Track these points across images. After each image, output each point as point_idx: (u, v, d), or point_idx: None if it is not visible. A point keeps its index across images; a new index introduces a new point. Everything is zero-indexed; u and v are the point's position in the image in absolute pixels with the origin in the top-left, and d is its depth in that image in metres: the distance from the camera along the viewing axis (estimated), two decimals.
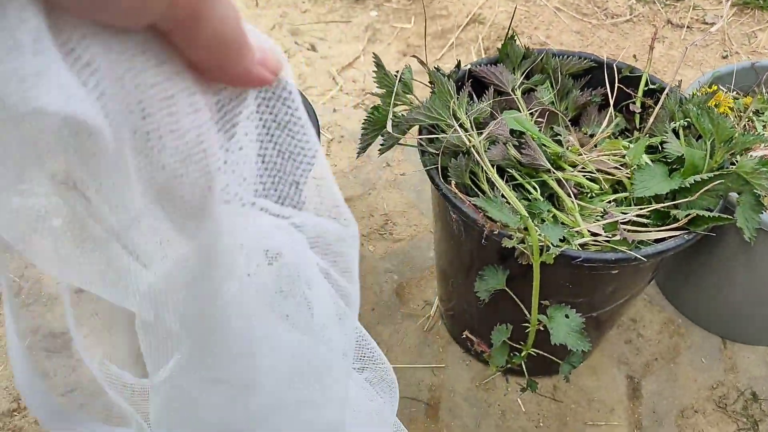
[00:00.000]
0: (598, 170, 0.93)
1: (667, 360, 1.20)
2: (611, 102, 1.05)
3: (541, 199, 0.89)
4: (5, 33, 0.22)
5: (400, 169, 1.53)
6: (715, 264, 1.12)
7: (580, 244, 0.83)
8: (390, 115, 0.92)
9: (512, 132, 0.91)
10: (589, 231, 0.85)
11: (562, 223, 0.86)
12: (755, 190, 0.87)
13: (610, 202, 0.91)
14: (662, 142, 0.93)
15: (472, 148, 0.87)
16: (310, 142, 0.33)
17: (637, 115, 1.04)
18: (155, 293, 0.33)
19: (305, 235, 0.35)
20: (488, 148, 0.88)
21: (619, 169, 0.93)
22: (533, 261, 0.79)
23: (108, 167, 0.27)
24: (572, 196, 0.89)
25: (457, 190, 0.85)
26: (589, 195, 0.91)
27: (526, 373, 0.93)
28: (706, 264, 1.15)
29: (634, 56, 1.79)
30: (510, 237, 0.80)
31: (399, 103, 0.94)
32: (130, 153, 0.27)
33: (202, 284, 0.32)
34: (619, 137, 1.02)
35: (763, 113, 1.16)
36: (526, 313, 0.87)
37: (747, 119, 1.12)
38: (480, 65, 1.03)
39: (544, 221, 0.85)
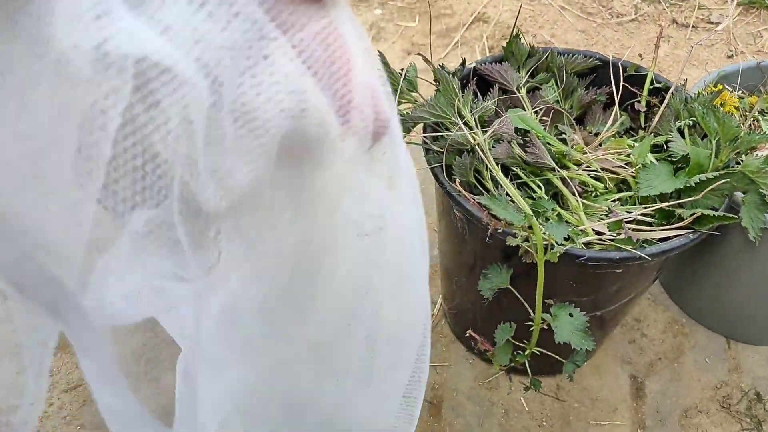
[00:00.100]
0: (603, 169, 0.93)
1: (670, 360, 1.20)
2: (616, 101, 1.04)
3: (546, 197, 0.89)
4: None
5: None
6: (720, 263, 1.12)
7: (584, 243, 0.83)
8: None
9: (517, 130, 0.91)
10: (593, 230, 0.85)
11: (567, 222, 0.86)
12: (760, 190, 0.86)
13: (614, 200, 0.90)
14: (667, 141, 0.93)
15: (476, 147, 0.87)
16: None
17: (642, 114, 1.03)
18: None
19: None
20: (493, 147, 0.88)
21: (624, 167, 0.92)
22: (537, 259, 0.79)
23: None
24: (577, 194, 0.89)
25: (461, 188, 0.85)
26: (593, 194, 0.91)
27: (529, 372, 0.93)
28: (710, 263, 1.14)
29: (640, 55, 1.79)
30: (514, 235, 0.79)
31: (403, 101, 0.94)
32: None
33: None
34: (624, 136, 1.02)
35: None
36: (530, 311, 0.86)
37: (752, 118, 1.12)
38: (485, 63, 1.03)
39: (549, 220, 0.85)
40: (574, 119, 1.02)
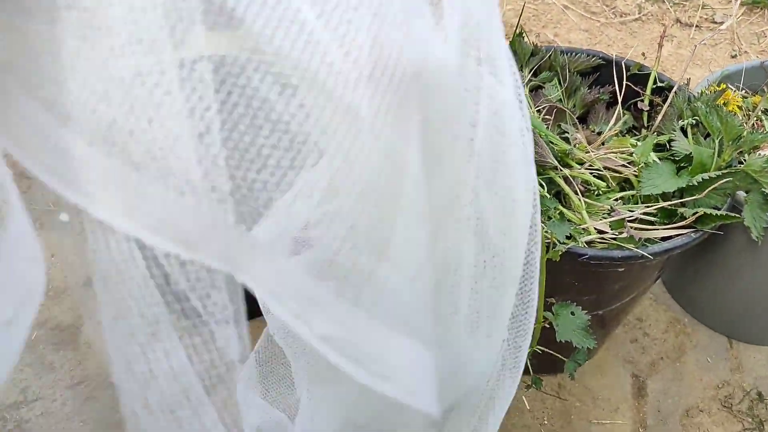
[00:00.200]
0: (606, 168, 0.93)
1: (672, 359, 1.20)
2: (619, 100, 1.04)
3: (548, 196, 0.89)
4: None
5: None
6: (722, 263, 1.12)
7: (586, 242, 0.83)
8: None
9: None
10: (595, 228, 0.85)
11: (569, 221, 0.86)
12: (763, 189, 0.86)
13: (617, 199, 0.90)
14: (670, 140, 0.93)
15: None
16: None
17: (645, 113, 1.03)
18: None
19: None
20: None
21: (627, 166, 0.92)
22: (539, 258, 0.79)
23: None
24: (579, 193, 0.89)
25: None
26: (596, 192, 0.91)
27: (531, 370, 0.93)
28: (712, 263, 1.14)
29: (643, 54, 1.78)
30: None
31: None
32: None
33: None
34: (626, 135, 1.02)
35: None
36: None
37: (755, 118, 1.12)
38: None
39: (551, 218, 0.85)
40: (577, 118, 1.02)
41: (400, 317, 0.34)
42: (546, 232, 0.79)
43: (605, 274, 0.88)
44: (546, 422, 1.11)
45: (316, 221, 0.32)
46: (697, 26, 1.94)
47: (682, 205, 0.86)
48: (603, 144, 0.98)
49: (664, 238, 0.84)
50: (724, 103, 1.09)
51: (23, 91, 0.29)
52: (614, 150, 0.95)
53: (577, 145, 0.95)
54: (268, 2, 0.27)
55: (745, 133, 0.87)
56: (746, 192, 0.88)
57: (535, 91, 1.03)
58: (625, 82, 1.05)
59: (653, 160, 0.91)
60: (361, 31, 0.28)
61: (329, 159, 0.30)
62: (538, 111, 0.98)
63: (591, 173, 0.92)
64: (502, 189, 0.41)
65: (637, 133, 1.04)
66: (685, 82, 1.02)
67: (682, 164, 0.90)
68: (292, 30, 0.27)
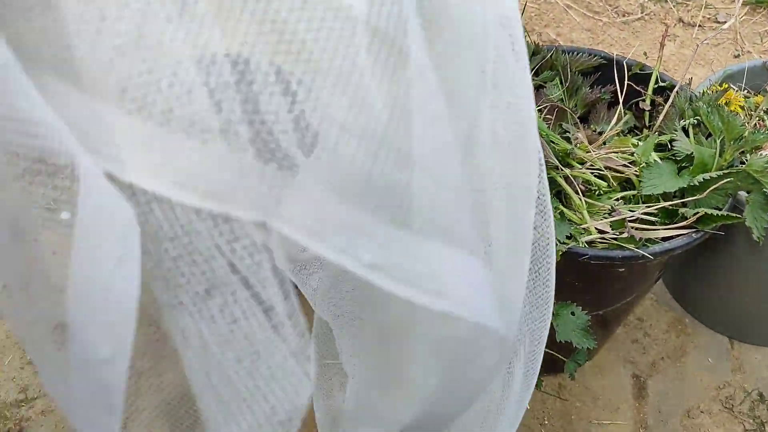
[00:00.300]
0: (607, 168, 0.92)
1: (673, 359, 1.20)
2: (621, 99, 1.04)
3: (549, 195, 0.89)
4: None
5: None
6: (723, 263, 1.12)
7: (587, 242, 0.83)
8: None
9: None
10: (596, 228, 0.85)
11: (570, 221, 0.86)
12: (765, 189, 0.86)
13: (618, 199, 0.90)
14: (671, 140, 0.93)
15: None
16: None
17: (647, 113, 1.03)
18: None
19: None
20: None
21: (628, 166, 0.92)
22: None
23: None
24: (580, 193, 0.89)
25: None
26: (597, 192, 0.91)
27: None
28: (714, 263, 1.14)
29: (645, 54, 1.78)
30: None
31: None
32: None
33: None
34: (628, 135, 1.02)
35: None
36: None
37: (758, 118, 1.12)
38: None
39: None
40: (578, 118, 1.02)
41: (445, 231, 0.33)
42: None
43: (606, 274, 0.87)
44: (546, 422, 1.11)
45: (343, 141, 0.31)
46: (699, 26, 1.93)
47: (683, 205, 0.85)
48: (604, 144, 0.98)
49: (664, 239, 0.84)
50: (726, 103, 1.09)
51: (41, 69, 0.29)
52: (615, 150, 0.95)
53: (578, 145, 0.95)
54: None
55: (746, 133, 0.86)
56: (748, 192, 0.88)
57: (536, 90, 1.03)
58: (626, 82, 1.05)
59: (654, 160, 0.91)
60: None
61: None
62: (540, 110, 0.98)
63: (592, 173, 0.92)
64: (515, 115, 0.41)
65: (638, 132, 1.04)
66: (687, 82, 1.02)
67: (683, 164, 0.90)
68: None
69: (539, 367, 0.58)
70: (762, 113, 1.14)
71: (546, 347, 0.89)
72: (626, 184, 0.93)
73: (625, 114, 1.04)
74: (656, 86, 1.04)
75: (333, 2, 0.29)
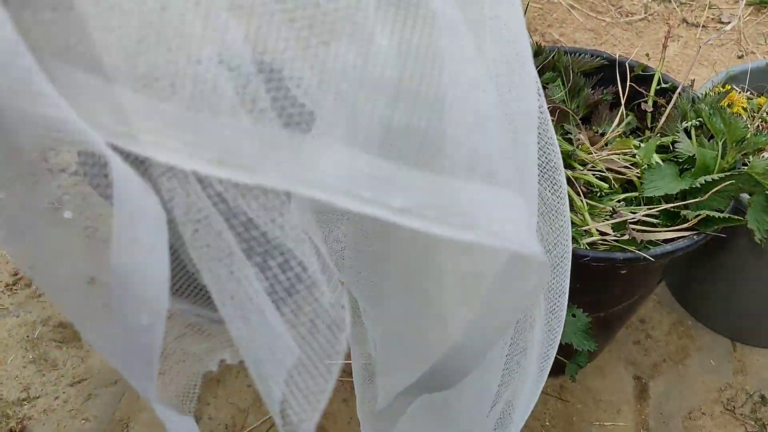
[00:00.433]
0: (608, 169, 0.92)
1: (675, 361, 1.20)
2: (623, 101, 1.04)
3: None
4: None
5: None
6: (725, 265, 1.12)
7: (588, 243, 0.83)
8: None
9: None
10: (597, 230, 0.85)
11: (571, 222, 0.86)
12: (767, 191, 0.86)
13: (619, 201, 0.90)
14: (673, 142, 0.92)
15: None
16: None
17: (649, 114, 1.03)
18: None
19: None
20: None
21: (630, 168, 0.92)
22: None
23: None
24: (581, 194, 0.89)
25: None
26: (598, 194, 0.91)
27: None
28: (716, 265, 1.14)
29: (647, 55, 1.78)
30: None
31: None
32: None
33: None
34: (630, 136, 1.02)
35: None
36: None
37: (760, 119, 1.11)
38: None
39: None
40: (580, 119, 1.02)
41: (471, 167, 0.34)
42: None
43: (607, 276, 0.87)
44: (548, 423, 1.11)
45: (362, 95, 0.32)
46: (703, 26, 1.93)
47: (685, 207, 0.85)
48: (606, 145, 0.97)
49: (666, 241, 0.83)
50: (729, 105, 1.08)
51: (71, 66, 0.31)
52: (617, 151, 0.95)
53: (580, 146, 0.95)
54: None
55: (749, 135, 0.86)
56: (750, 194, 0.88)
57: None
58: (628, 83, 1.05)
59: (656, 162, 0.91)
60: None
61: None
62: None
63: (594, 174, 0.92)
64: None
65: (640, 134, 1.03)
66: (690, 83, 1.02)
67: (685, 166, 0.90)
68: None
69: (563, 321, 0.58)
70: (765, 115, 1.13)
71: None
72: (628, 185, 0.93)
73: (627, 115, 1.04)
74: (658, 87, 1.04)
75: None
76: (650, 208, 0.87)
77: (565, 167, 0.90)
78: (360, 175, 0.31)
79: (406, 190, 0.32)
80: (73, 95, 0.30)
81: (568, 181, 0.90)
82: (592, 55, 1.06)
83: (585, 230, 0.85)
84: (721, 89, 1.09)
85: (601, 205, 0.89)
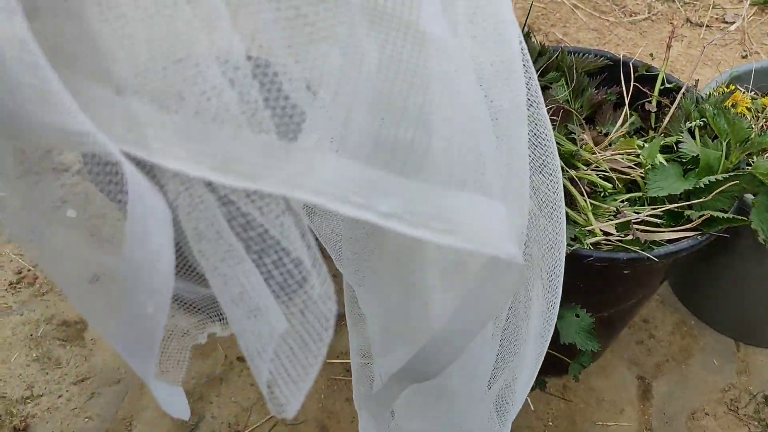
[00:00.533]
0: (612, 169, 0.92)
1: (678, 361, 1.19)
2: (626, 101, 1.04)
3: None
4: None
5: None
6: (729, 265, 1.11)
7: (591, 244, 0.83)
8: None
9: None
10: (601, 230, 0.85)
11: (575, 222, 0.86)
12: None
13: (623, 201, 0.90)
14: (677, 142, 0.92)
15: None
16: None
17: (653, 114, 1.03)
18: None
19: None
20: None
21: (633, 168, 0.92)
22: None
23: None
24: (585, 194, 0.89)
25: None
26: (602, 194, 0.91)
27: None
28: (719, 265, 1.13)
29: (651, 55, 1.77)
30: None
31: None
32: None
33: None
34: (633, 136, 1.02)
35: None
36: None
37: (764, 120, 1.11)
38: None
39: None
40: (584, 119, 1.02)
41: (452, 176, 0.38)
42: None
43: (610, 276, 0.87)
44: (550, 423, 1.11)
45: (355, 109, 0.36)
46: (707, 26, 1.92)
47: (689, 207, 0.85)
48: (610, 145, 0.97)
49: (670, 241, 0.83)
50: (733, 105, 1.08)
51: (81, 76, 0.33)
52: (621, 151, 0.95)
53: (583, 146, 0.95)
54: None
55: (753, 135, 0.86)
56: (754, 195, 0.87)
57: (542, 91, 1.02)
58: (632, 83, 1.05)
59: (660, 162, 0.90)
60: None
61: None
62: None
63: (597, 174, 0.92)
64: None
65: (644, 134, 1.03)
66: (694, 84, 1.02)
67: (689, 166, 0.90)
68: None
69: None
70: None
71: (550, 349, 0.89)
72: (631, 185, 0.93)
73: (631, 115, 1.04)
74: (662, 87, 1.03)
75: None
76: (654, 209, 0.87)
77: (569, 167, 0.90)
78: (351, 182, 0.34)
79: (392, 197, 0.35)
80: (85, 103, 0.32)
81: (572, 181, 0.90)
82: (595, 55, 1.06)
83: (588, 230, 0.85)
84: (725, 89, 1.09)
85: (605, 205, 0.88)
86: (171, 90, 0.31)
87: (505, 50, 0.45)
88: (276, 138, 0.33)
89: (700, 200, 0.84)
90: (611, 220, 0.86)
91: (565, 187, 0.89)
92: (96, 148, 0.31)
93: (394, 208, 0.34)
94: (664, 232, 0.84)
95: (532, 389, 0.95)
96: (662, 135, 0.97)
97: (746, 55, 1.83)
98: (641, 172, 0.91)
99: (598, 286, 0.90)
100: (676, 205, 0.86)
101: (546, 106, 0.99)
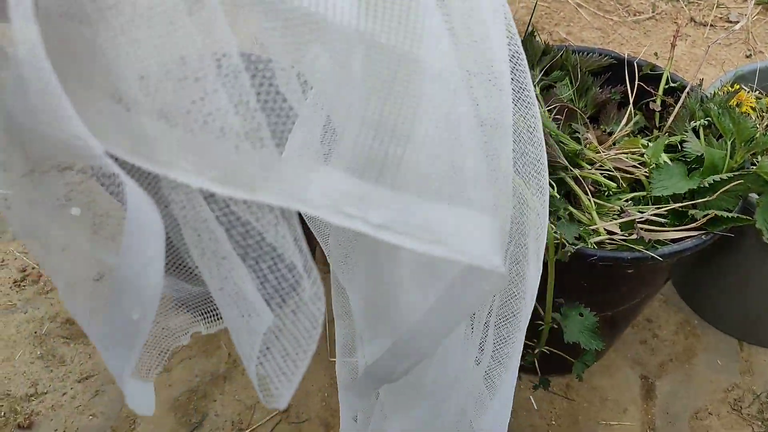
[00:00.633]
0: (616, 168, 0.92)
1: (682, 361, 1.19)
2: (631, 100, 1.04)
3: (558, 196, 0.89)
4: None
5: None
6: (733, 265, 1.11)
7: (596, 243, 0.83)
8: None
9: None
10: (605, 229, 0.85)
11: (579, 221, 0.85)
12: None
13: (627, 200, 0.90)
14: (682, 141, 0.92)
15: None
16: None
17: (657, 114, 1.03)
18: None
19: None
20: None
21: (638, 167, 0.92)
22: (548, 258, 0.79)
23: None
24: (589, 194, 0.89)
25: None
26: (606, 193, 0.91)
27: (539, 371, 0.93)
28: (723, 265, 1.13)
29: (655, 54, 1.77)
30: None
31: None
32: None
33: None
34: (638, 135, 1.02)
35: None
36: (540, 310, 0.86)
37: None
38: None
39: (560, 219, 0.85)
40: (588, 118, 1.02)
41: (439, 190, 0.40)
42: (555, 232, 0.79)
43: (614, 275, 0.87)
44: (554, 422, 1.10)
45: (349, 128, 0.38)
46: (711, 25, 1.92)
47: (693, 206, 0.85)
48: (614, 144, 0.97)
49: (674, 240, 0.83)
50: (738, 104, 1.08)
51: (93, 91, 0.35)
52: (625, 150, 0.95)
53: (587, 146, 0.95)
54: None
55: (758, 134, 0.86)
56: (758, 194, 0.87)
57: (546, 90, 1.03)
58: (637, 82, 1.05)
59: (664, 161, 0.90)
60: None
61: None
62: (549, 110, 0.98)
63: (601, 174, 0.92)
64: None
65: (648, 133, 1.03)
66: (698, 83, 1.02)
67: (693, 166, 0.90)
68: None
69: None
70: None
71: (554, 347, 0.89)
72: (636, 185, 0.93)
73: (636, 114, 1.04)
74: (667, 87, 1.03)
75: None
76: (658, 208, 0.87)
77: (573, 166, 0.90)
78: (344, 194, 0.36)
79: (383, 209, 0.37)
80: (93, 116, 0.34)
81: (576, 180, 0.90)
82: (600, 54, 1.06)
83: (593, 229, 0.84)
84: (730, 89, 1.09)
85: (609, 205, 0.88)
86: (178, 110, 0.33)
87: (490, 60, 0.46)
88: (274, 152, 0.35)
89: (705, 199, 0.84)
90: (615, 219, 0.86)
91: (569, 186, 0.89)
92: (95, 160, 0.32)
93: (385, 220, 0.37)
94: (668, 231, 0.84)
95: (535, 388, 0.95)
96: (667, 134, 0.97)
97: (750, 54, 1.83)
98: (645, 172, 0.91)
99: (602, 286, 0.90)
100: (680, 204, 0.86)
101: (550, 105, 1.00)
